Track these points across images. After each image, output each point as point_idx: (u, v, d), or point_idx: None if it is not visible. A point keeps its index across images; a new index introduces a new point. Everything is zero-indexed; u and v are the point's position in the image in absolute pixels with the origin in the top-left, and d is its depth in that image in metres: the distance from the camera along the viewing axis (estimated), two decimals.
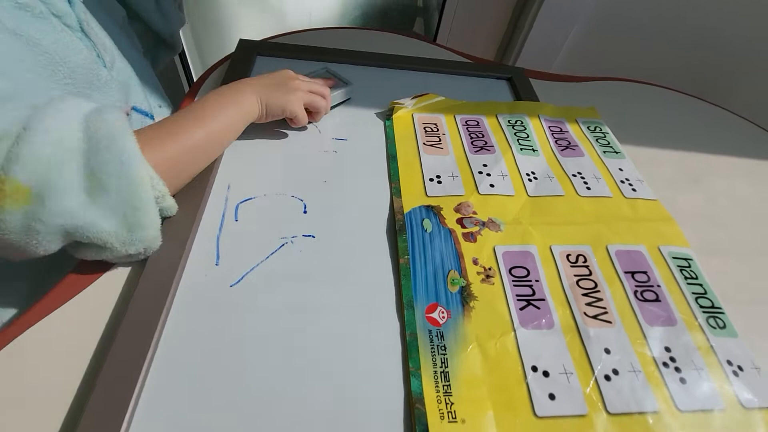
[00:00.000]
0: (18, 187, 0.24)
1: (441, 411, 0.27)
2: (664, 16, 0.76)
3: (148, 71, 0.49)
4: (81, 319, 0.29)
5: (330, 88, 0.46)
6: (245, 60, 0.51)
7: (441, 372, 0.29)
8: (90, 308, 0.30)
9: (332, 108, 0.47)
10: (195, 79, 1.06)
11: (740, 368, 0.31)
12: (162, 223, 0.31)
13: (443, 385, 0.28)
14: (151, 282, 0.30)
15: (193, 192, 0.36)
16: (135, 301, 0.29)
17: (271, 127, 0.44)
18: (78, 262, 0.32)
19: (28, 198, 0.25)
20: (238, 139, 0.41)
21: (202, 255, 0.33)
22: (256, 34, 1.03)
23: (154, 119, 0.45)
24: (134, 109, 0.42)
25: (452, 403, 0.27)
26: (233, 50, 0.54)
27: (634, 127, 0.52)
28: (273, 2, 0.99)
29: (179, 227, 0.33)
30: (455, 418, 0.27)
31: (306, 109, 0.43)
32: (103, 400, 0.24)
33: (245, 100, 0.39)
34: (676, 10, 0.75)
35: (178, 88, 0.99)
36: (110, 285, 0.31)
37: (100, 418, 0.24)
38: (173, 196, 0.33)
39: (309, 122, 0.45)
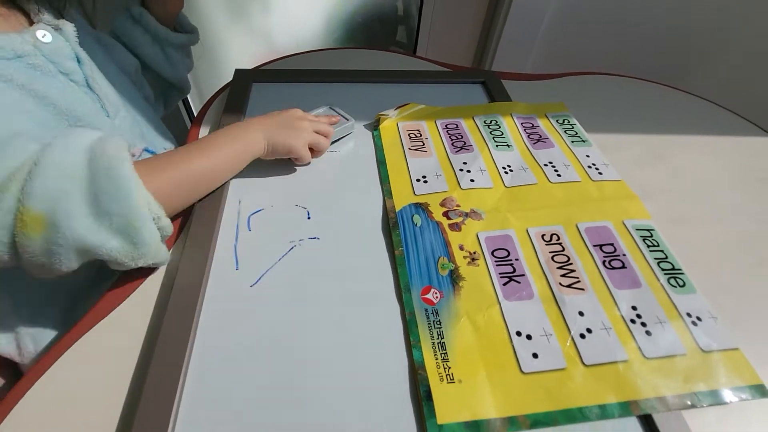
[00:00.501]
0: (35, 217, 0.28)
1: (440, 374, 0.32)
2: (622, 8, 0.82)
3: (155, 116, 0.54)
4: (124, 326, 0.34)
5: (333, 124, 0.50)
6: (242, 88, 0.57)
7: (438, 342, 0.33)
8: (130, 317, 0.34)
9: (334, 142, 0.50)
10: (192, 106, 1.12)
11: (699, 318, 0.36)
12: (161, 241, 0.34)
13: (441, 353, 0.33)
14: (183, 289, 0.35)
15: (209, 210, 0.41)
16: (171, 305, 0.33)
17: None
18: (114, 280, 0.36)
19: (45, 225, 0.28)
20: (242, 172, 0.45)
21: (223, 262, 0.38)
22: (246, 58, 1.09)
23: None
24: (146, 150, 0.47)
25: (449, 368, 0.32)
26: (224, 76, 0.59)
27: (601, 115, 0.57)
28: (259, 27, 1.04)
29: (202, 241, 0.38)
30: (453, 379, 0.31)
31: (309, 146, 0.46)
32: (153, 394, 0.29)
33: (251, 137, 0.42)
34: (632, 2, 0.81)
35: (177, 114, 1.05)
36: (146, 295, 0.36)
37: (152, 414, 0.28)
38: (178, 215, 0.37)
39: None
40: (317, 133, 0.46)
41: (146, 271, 0.37)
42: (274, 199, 0.44)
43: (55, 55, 0.39)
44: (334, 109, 0.52)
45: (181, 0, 0.53)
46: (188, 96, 1.08)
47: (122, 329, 0.34)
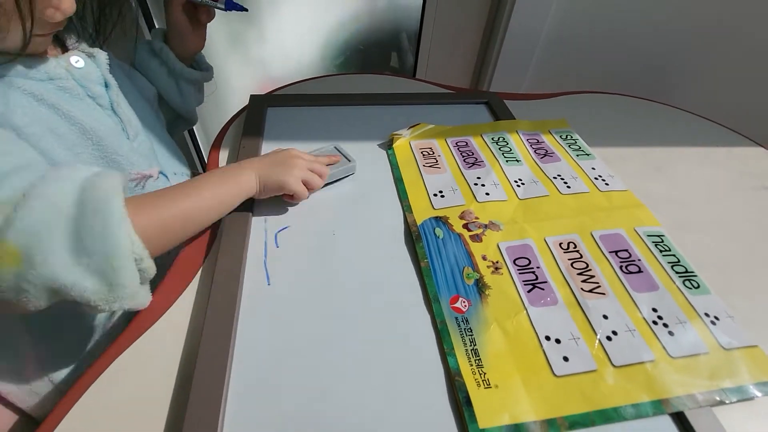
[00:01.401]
0: (9, 250, 0.26)
1: (477, 380, 0.32)
2: (606, 32, 0.87)
3: (171, 141, 0.56)
4: (161, 346, 0.34)
5: (334, 164, 0.49)
6: (258, 112, 0.59)
7: (471, 349, 0.34)
8: (165, 336, 0.35)
9: (334, 182, 0.49)
10: (197, 136, 1.14)
11: (717, 318, 0.37)
12: (141, 283, 0.32)
13: (475, 360, 0.33)
14: (219, 305, 0.35)
15: (237, 230, 0.42)
16: (208, 323, 0.34)
17: None
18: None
19: (19, 260, 0.26)
20: None
21: (255, 279, 0.38)
22: (245, 86, 1.11)
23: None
24: (161, 173, 0.49)
25: (485, 373, 0.33)
26: (224, 104, 0.60)
27: (599, 131, 0.60)
28: (256, 56, 1.08)
29: (233, 260, 0.39)
30: (489, 384, 0.32)
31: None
32: (200, 400, 0.29)
33: (243, 177, 0.41)
34: (615, 26, 0.87)
35: (183, 144, 1.06)
36: (181, 313, 0.36)
37: (202, 416, 0.28)
38: (208, 229, 0.37)
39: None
40: (312, 171, 0.45)
41: (178, 288, 0.37)
42: (299, 217, 0.45)
43: (85, 80, 0.41)
44: (338, 149, 0.51)
45: (202, 41, 0.56)
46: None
47: (159, 349, 0.34)
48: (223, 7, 0.50)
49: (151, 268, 0.33)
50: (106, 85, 0.43)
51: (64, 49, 0.41)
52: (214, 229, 0.42)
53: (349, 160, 0.50)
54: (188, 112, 0.61)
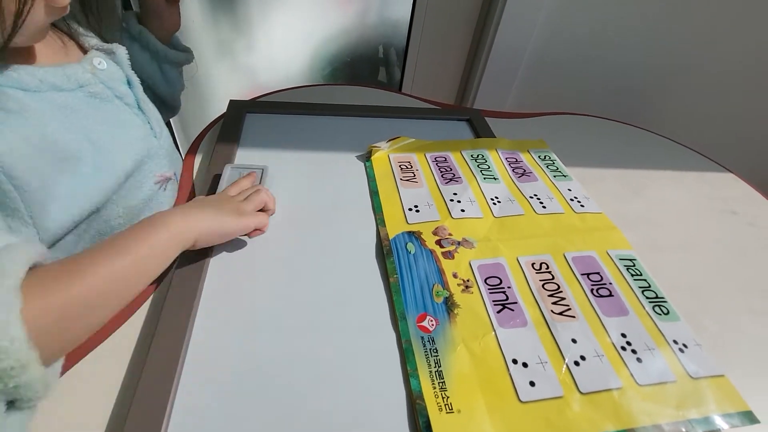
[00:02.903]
0: None
1: (439, 404, 0.31)
2: (588, 56, 0.90)
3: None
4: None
5: (252, 178, 0.45)
6: (236, 118, 0.57)
7: (435, 371, 0.33)
8: (107, 362, 0.32)
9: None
10: (177, 140, 1.12)
11: (685, 345, 0.37)
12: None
13: (438, 382, 0.32)
14: (173, 314, 0.33)
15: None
16: (159, 333, 0.32)
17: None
18: None
19: None
20: None
21: (215, 288, 0.36)
22: (232, 93, 1.10)
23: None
24: (174, 174, 0.47)
25: (448, 397, 0.31)
26: (210, 110, 0.60)
27: (578, 152, 0.61)
28: (244, 64, 1.07)
29: (192, 269, 0.37)
30: (452, 409, 0.31)
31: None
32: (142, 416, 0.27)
33: (170, 228, 0.32)
34: (596, 51, 0.89)
35: None
36: (132, 326, 0.34)
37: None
38: None
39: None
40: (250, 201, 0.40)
41: (126, 313, 0.35)
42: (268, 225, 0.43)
43: (111, 81, 0.40)
44: (238, 168, 0.47)
45: (178, 19, 0.54)
46: (174, 131, 1.08)
47: (98, 375, 0.31)
48: None
49: (35, 382, 0.22)
50: (129, 83, 0.42)
51: (82, 50, 0.40)
52: None
53: (261, 169, 0.47)
54: (173, 98, 0.59)
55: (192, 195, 0.47)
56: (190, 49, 0.59)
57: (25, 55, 0.34)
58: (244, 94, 0.66)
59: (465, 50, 0.94)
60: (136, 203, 0.41)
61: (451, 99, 1.04)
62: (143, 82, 0.54)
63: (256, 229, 0.39)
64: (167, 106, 0.60)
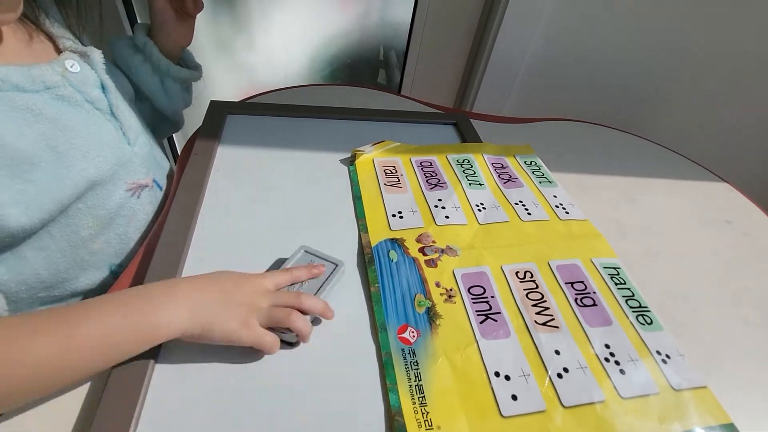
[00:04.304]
0: None
1: (418, 421, 0.30)
2: (586, 63, 0.90)
3: (159, 146, 0.51)
4: None
5: (317, 277, 0.37)
6: (216, 119, 0.56)
7: (415, 385, 0.32)
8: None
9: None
10: (174, 139, 1.09)
11: (668, 356, 0.37)
12: None
13: (418, 397, 0.31)
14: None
15: (169, 259, 0.38)
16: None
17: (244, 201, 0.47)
18: None
19: None
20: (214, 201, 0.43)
21: None
22: (230, 93, 1.09)
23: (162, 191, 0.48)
24: (154, 181, 0.45)
25: (428, 413, 0.30)
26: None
27: (572, 158, 0.60)
28: (244, 64, 1.05)
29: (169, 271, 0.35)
30: (431, 426, 0.30)
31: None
32: None
33: (163, 318, 0.29)
34: (595, 58, 0.90)
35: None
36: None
37: None
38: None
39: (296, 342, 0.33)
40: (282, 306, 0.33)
41: None
42: (245, 226, 0.42)
43: (83, 84, 0.38)
44: (310, 252, 0.39)
45: (189, 35, 0.52)
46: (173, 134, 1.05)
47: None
48: None
49: None
50: (104, 88, 0.40)
51: (58, 51, 0.38)
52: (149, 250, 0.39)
53: (335, 263, 0.38)
54: (174, 113, 0.56)
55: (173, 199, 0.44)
56: (200, 66, 0.57)
57: None
58: (244, 95, 0.65)
59: (465, 54, 0.94)
60: (106, 212, 0.39)
61: (449, 103, 1.04)
62: (141, 94, 0.52)
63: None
64: (168, 121, 0.57)
